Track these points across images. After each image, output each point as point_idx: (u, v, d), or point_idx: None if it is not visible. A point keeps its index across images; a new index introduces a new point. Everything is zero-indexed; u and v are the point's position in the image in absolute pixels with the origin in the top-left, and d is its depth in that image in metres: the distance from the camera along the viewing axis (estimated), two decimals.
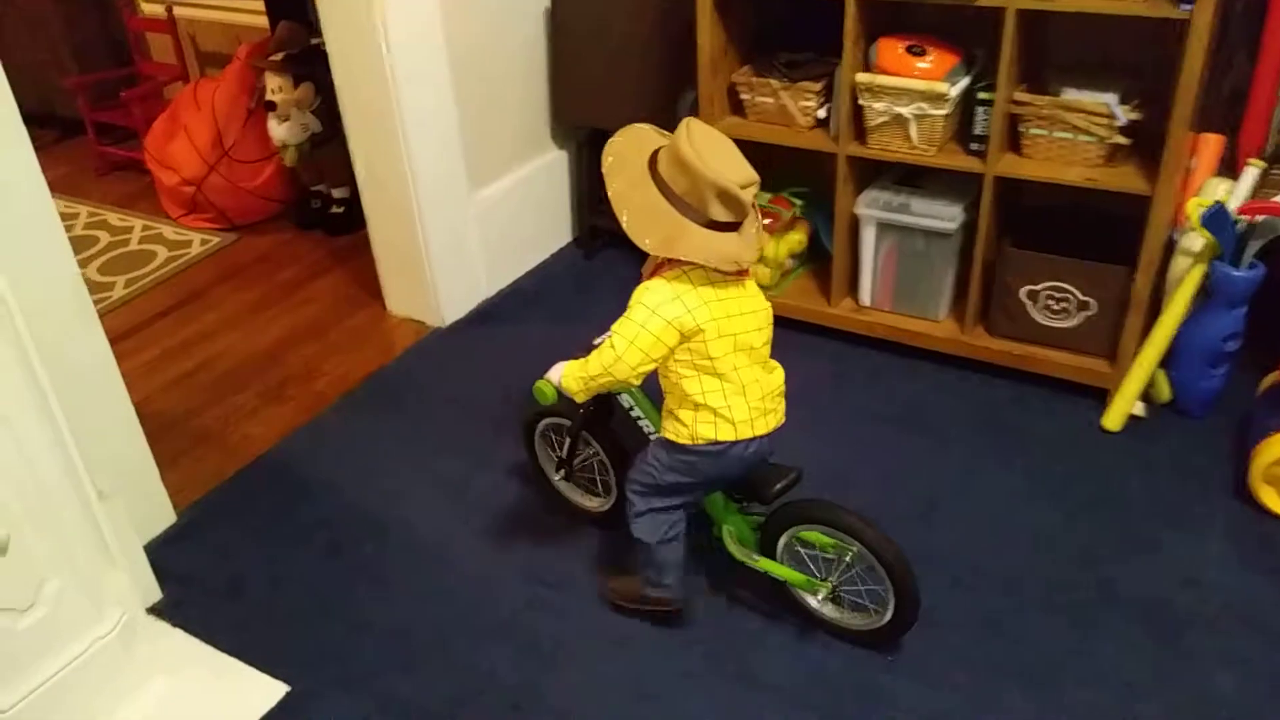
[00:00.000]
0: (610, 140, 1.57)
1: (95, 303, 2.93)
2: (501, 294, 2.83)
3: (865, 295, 2.45)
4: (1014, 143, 2.16)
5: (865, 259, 2.40)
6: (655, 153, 1.52)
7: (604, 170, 1.53)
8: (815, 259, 2.64)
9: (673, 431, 1.60)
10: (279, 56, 3.07)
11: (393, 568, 1.96)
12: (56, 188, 3.75)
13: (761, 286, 2.53)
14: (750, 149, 2.42)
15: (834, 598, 1.70)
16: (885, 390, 2.35)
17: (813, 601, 1.72)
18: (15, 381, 1.45)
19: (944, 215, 2.27)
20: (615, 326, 1.53)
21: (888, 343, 2.43)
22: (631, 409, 1.84)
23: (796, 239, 2.56)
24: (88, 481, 1.62)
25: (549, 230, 3.00)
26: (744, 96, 2.39)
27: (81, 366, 1.84)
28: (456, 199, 2.63)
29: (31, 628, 1.53)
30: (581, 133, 2.88)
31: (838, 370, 2.43)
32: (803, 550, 1.71)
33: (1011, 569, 1.87)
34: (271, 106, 3.07)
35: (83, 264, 3.19)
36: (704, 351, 1.51)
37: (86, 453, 1.82)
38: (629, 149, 1.54)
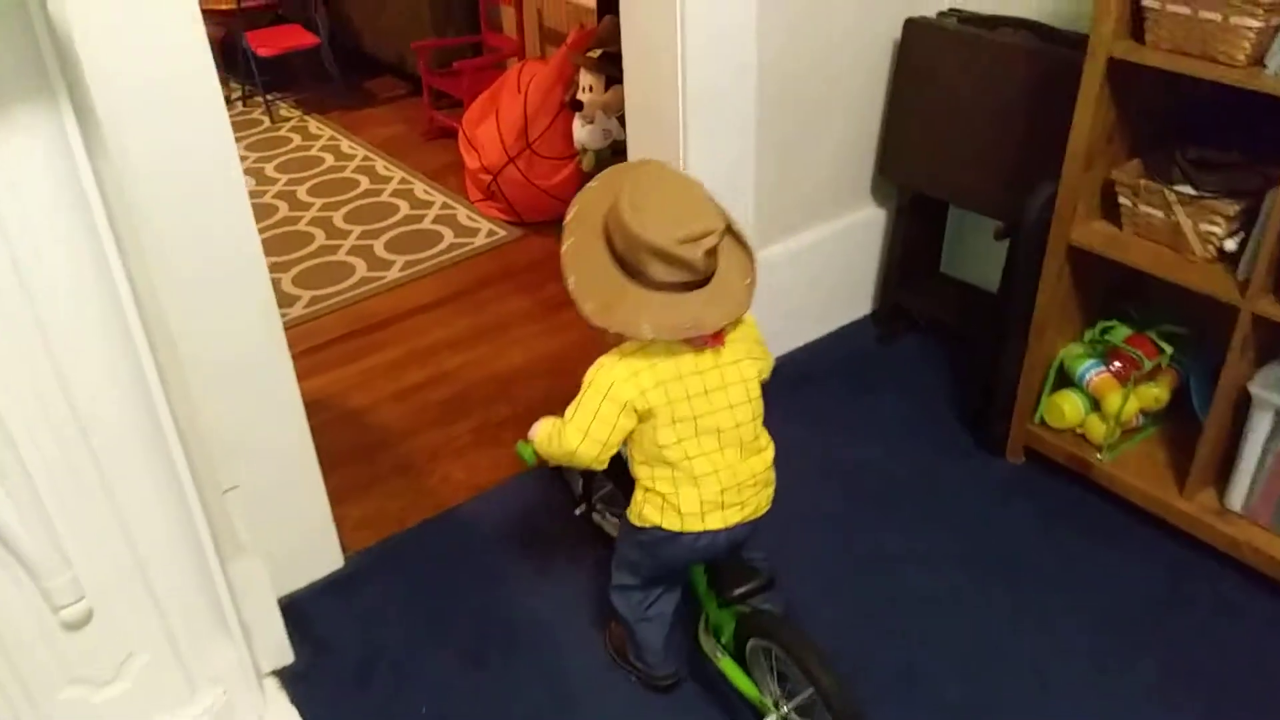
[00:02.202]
0: (586, 185, 1.37)
1: (368, 282, 2.93)
2: None
3: (1236, 498, 1.77)
4: None
5: (1248, 452, 1.73)
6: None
7: (565, 222, 1.34)
8: (1174, 419, 1.98)
9: (630, 507, 1.44)
10: (596, 54, 2.82)
11: (527, 701, 1.65)
12: (384, 147, 3.85)
13: (1093, 445, 1.96)
14: (1117, 270, 1.86)
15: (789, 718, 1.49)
16: (1236, 641, 1.69)
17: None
18: (126, 438, 1.26)
19: None
20: (568, 412, 1.36)
21: (1256, 573, 1.75)
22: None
23: (1154, 394, 1.92)
24: (209, 543, 1.42)
25: (842, 300, 2.53)
26: (1123, 201, 1.79)
27: (262, 400, 1.67)
28: None
29: (109, 702, 1.37)
30: (906, 194, 2.38)
31: (1172, 590, 1.78)
32: (769, 662, 1.50)
33: None
34: (578, 106, 2.84)
35: (373, 235, 3.16)
36: (653, 438, 1.34)
37: (250, 491, 1.69)
38: (599, 197, 1.34)
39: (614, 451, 1.36)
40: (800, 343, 2.47)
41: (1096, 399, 1.93)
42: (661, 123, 2.05)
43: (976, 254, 2.46)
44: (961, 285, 2.50)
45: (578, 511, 1.88)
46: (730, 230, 1.33)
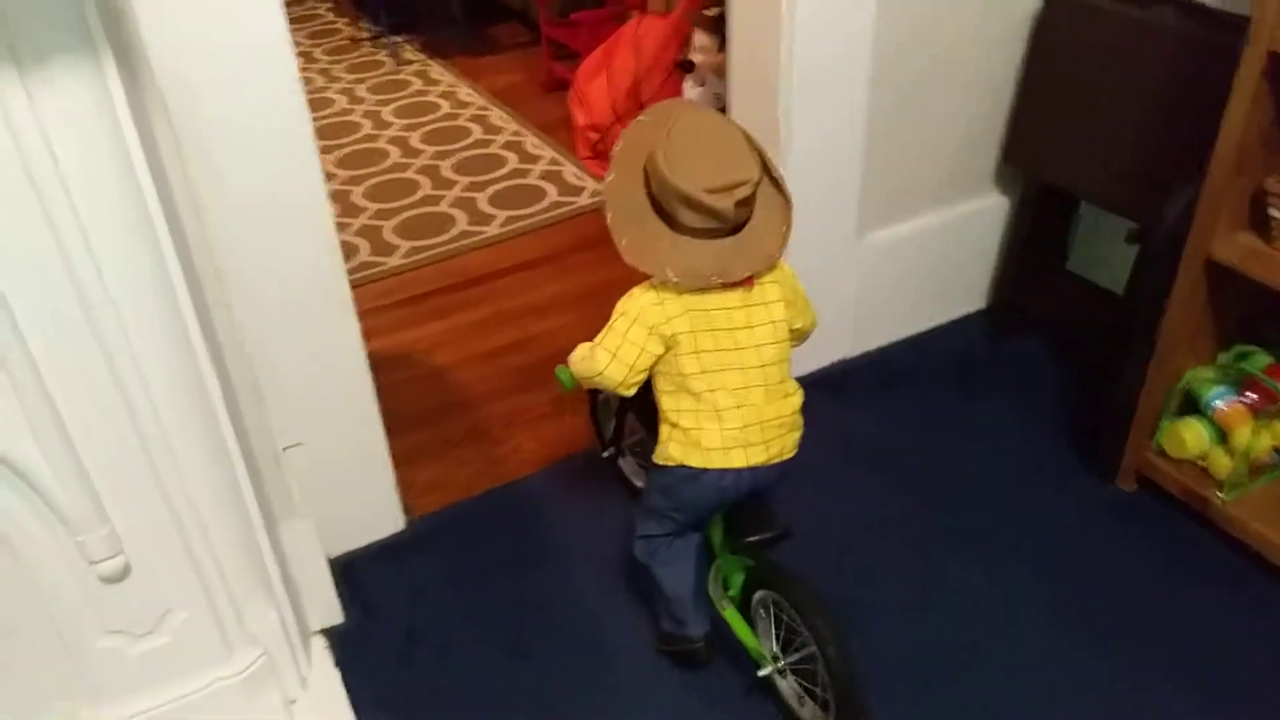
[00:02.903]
0: (636, 119, 1.38)
1: (468, 236, 2.90)
2: (865, 359, 2.27)
3: None
4: None
5: None
6: None
7: (612, 154, 1.37)
8: None
9: (656, 448, 1.43)
10: (712, 12, 2.68)
11: (563, 695, 1.59)
12: (500, 96, 3.80)
13: (1215, 480, 1.77)
14: (1261, 290, 1.63)
15: (782, 674, 1.51)
16: None
17: (758, 671, 1.51)
18: (167, 397, 1.24)
19: None
20: (599, 336, 1.38)
21: None
22: None
23: None
24: (254, 505, 1.41)
25: (954, 291, 2.35)
26: (1274, 214, 1.57)
27: (326, 358, 1.65)
28: (837, 240, 2.10)
29: (146, 654, 1.38)
30: (1032, 184, 2.18)
31: None
32: (773, 616, 1.50)
33: None
34: (689, 67, 2.72)
35: (478, 188, 3.12)
36: (677, 366, 1.35)
37: (313, 449, 1.68)
38: (645, 135, 1.33)
39: (640, 377, 1.37)
40: (905, 334, 2.32)
41: (1224, 430, 1.74)
42: (762, 93, 1.92)
43: (1109, 253, 2.25)
44: (1089, 286, 2.29)
45: (605, 454, 1.89)
46: (770, 177, 1.34)
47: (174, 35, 1.28)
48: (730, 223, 1.28)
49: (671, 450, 1.39)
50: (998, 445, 2.02)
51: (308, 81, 3.99)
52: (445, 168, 3.26)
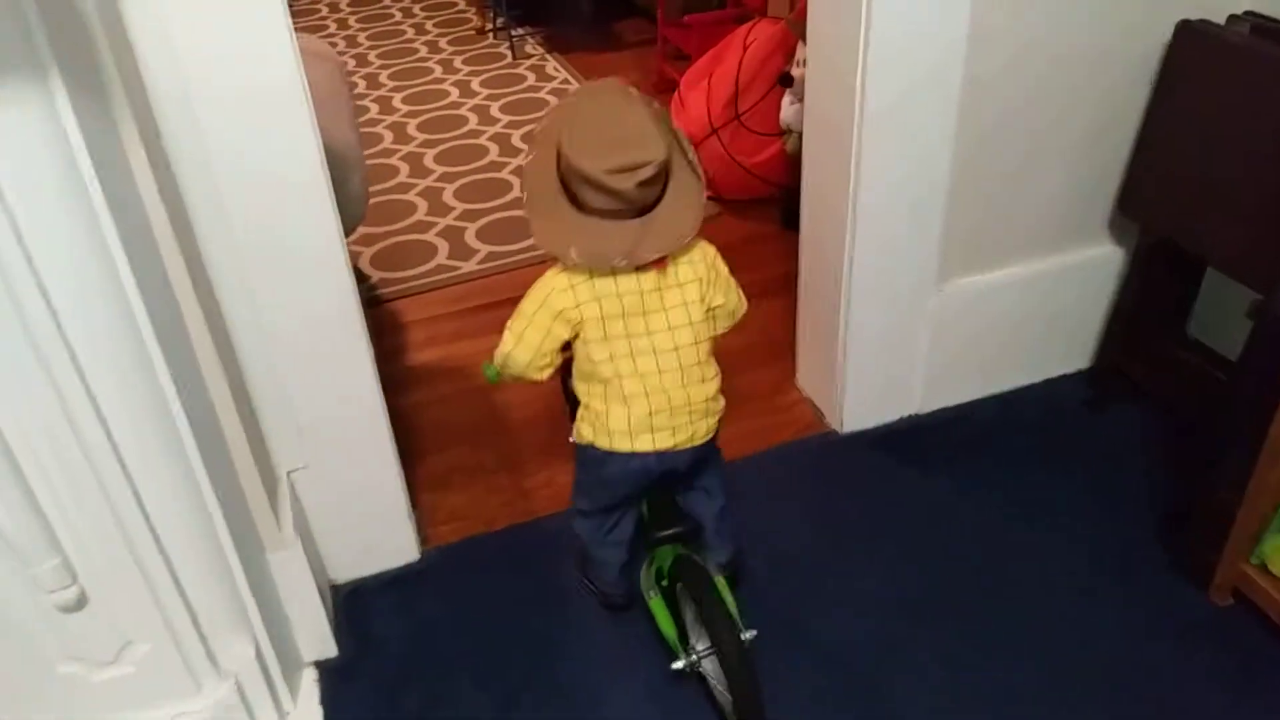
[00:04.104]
0: (559, 102, 1.41)
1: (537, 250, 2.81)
2: (939, 416, 2.06)
3: None
4: None
5: None
6: None
7: (532, 135, 1.37)
8: None
9: (574, 426, 1.45)
10: None
11: None
12: None
13: None
14: None
15: (697, 665, 1.49)
16: None
17: (673, 664, 1.48)
18: (126, 432, 1.19)
19: None
20: (510, 320, 1.38)
21: None
22: None
23: None
24: (228, 539, 1.36)
25: (1049, 349, 2.11)
26: None
27: (336, 382, 1.59)
28: (912, 283, 1.90)
29: (108, 683, 1.35)
30: (1149, 238, 1.93)
31: None
32: (693, 607, 1.49)
33: None
34: (788, 81, 2.55)
35: None
36: (585, 353, 1.36)
37: (321, 472, 1.63)
38: (562, 117, 1.31)
39: (548, 361, 1.38)
40: (987, 392, 2.10)
41: None
42: (834, 131, 1.77)
43: (1238, 321, 1.96)
44: (1209, 355, 2.01)
45: (571, 439, 1.79)
46: (684, 158, 1.31)
47: (173, 59, 1.24)
48: (635, 204, 1.26)
49: (583, 430, 1.41)
50: (1074, 530, 1.80)
51: (426, 72, 4.01)
52: None
